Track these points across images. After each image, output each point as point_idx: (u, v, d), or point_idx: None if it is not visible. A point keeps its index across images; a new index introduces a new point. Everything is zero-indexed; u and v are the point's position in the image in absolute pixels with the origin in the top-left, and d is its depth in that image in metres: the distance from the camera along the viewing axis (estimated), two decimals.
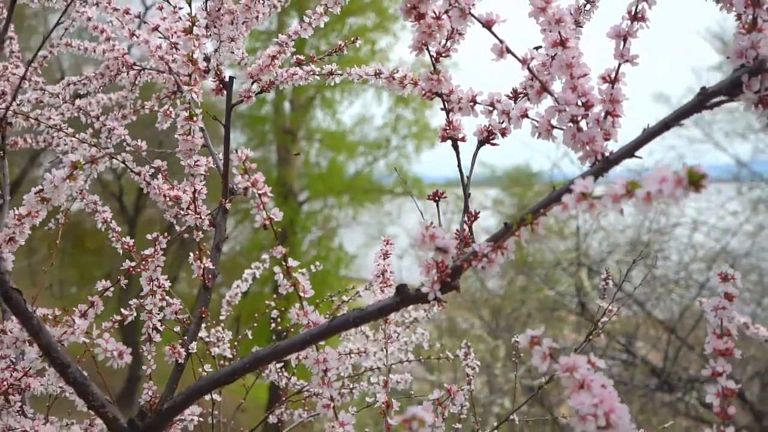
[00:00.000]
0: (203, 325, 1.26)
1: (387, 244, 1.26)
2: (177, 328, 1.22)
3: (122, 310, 1.28)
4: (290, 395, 1.53)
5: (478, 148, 0.88)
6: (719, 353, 0.68)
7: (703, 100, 0.66)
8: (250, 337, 1.63)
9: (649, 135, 0.68)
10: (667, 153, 8.28)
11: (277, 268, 0.86)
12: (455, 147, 0.87)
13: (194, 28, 0.89)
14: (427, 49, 0.83)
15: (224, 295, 1.77)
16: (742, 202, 8.15)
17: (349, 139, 11.26)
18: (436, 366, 6.79)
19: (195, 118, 0.96)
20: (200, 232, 1.15)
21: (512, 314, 7.73)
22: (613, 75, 0.74)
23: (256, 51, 1.31)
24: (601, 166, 0.71)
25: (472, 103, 0.84)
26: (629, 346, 6.83)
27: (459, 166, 0.86)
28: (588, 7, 0.92)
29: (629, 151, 0.69)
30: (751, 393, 5.93)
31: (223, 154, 1.22)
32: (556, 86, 0.79)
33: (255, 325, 1.64)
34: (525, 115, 0.81)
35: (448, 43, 0.85)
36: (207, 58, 1.15)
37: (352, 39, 1.32)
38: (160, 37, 1.27)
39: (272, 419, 1.60)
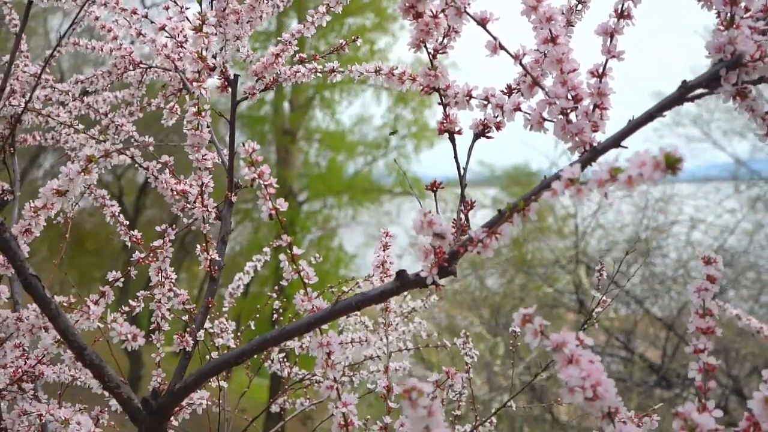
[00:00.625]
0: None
1: (386, 236, 1.30)
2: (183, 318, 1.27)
3: (130, 301, 1.32)
4: (292, 383, 1.57)
5: (474, 140, 0.92)
6: (701, 332, 0.72)
7: (684, 93, 0.70)
8: (253, 328, 1.67)
9: (634, 126, 0.72)
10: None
11: (282, 256, 0.90)
12: (452, 139, 0.91)
13: (204, 26, 0.93)
14: (425, 46, 0.87)
15: (224, 296, 1.80)
16: (739, 201, 8.20)
17: (348, 139, 11.31)
18: (436, 365, 6.83)
19: (203, 114, 1.00)
20: (207, 225, 1.19)
21: (512, 312, 7.76)
22: (600, 70, 0.78)
23: (256, 51, 1.35)
24: (589, 155, 0.75)
25: (467, 98, 0.88)
26: (628, 343, 6.88)
27: (456, 157, 0.90)
28: (579, 7, 0.96)
29: (615, 141, 0.73)
30: (750, 390, 5.97)
31: (228, 149, 1.26)
32: (548, 82, 0.84)
33: (257, 316, 1.68)
34: (518, 109, 0.85)
35: (445, 41, 0.89)
36: (213, 56, 1.19)
37: (353, 38, 1.36)
38: (166, 36, 1.32)
39: (275, 408, 1.65)
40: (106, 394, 1.17)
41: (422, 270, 0.80)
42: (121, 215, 1.37)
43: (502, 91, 0.90)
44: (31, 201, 1.00)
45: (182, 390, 0.82)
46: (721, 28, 0.70)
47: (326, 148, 11.42)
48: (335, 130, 11.30)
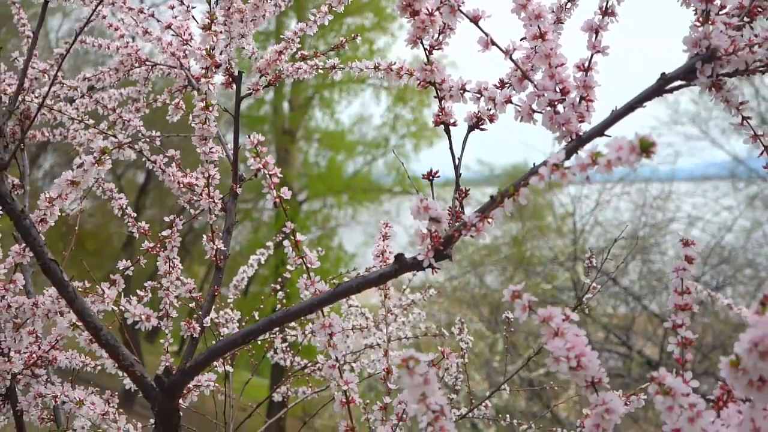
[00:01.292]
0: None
1: (386, 227, 1.35)
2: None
3: (138, 291, 1.37)
4: (294, 371, 1.62)
5: (468, 132, 0.97)
6: (679, 308, 0.77)
7: (663, 85, 0.75)
8: (257, 318, 1.72)
9: (616, 116, 0.77)
10: (665, 149, 8.38)
11: (286, 242, 0.96)
12: (447, 131, 0.96)
13: (213, 25, 0.98)
14: (422, 42, 0.92)
15: (227, 294, 1.85)
16: (737, 198, 8.26)
17: (347, 139, 11.36)
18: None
19: (211, 108, 1.05)
20: (213, 216, 1.24)
21: (511, 309, 7.81)
22: (586, 64, 0.83)
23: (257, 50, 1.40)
24: (575, 144, 0.80)
25: (461, 91, 0.93)
26: (626, 339, 6.93)
27: (451, 148, 0.95)
28: (569, 5, 1.01)
29: (599, 130, 0.78)
30: None
31: (233, 142, 1.31)
32: (539, 76, 0.88)
33: (261, 306, 1.73)
34: (509, 101, 0.90)
35: (441, 37, 0.94)
36: (219, 53, 1.24)
37: (353, 36, 1.41)
38: (172, 35, 1.36)
39: (277, 397, 1.69)
40: (116, 377, 1.22)
41: (419, 253, 0.85)
42: (129, 208, 1.42)
43: (494, 85, 0.95)
44: (45, 191, 1.05)
45: (193, 368, 0.87)
46: (697, 24, 0.75)
47: (326, 148, 11.47)
48: (335, 130, 11.35)
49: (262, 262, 1.83)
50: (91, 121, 1.44)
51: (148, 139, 1.34)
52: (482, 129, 0.97)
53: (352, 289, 0.89)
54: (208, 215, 1.23)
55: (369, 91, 10.81)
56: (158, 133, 1.40)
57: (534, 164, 0.80)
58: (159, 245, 1.22)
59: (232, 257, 1.31)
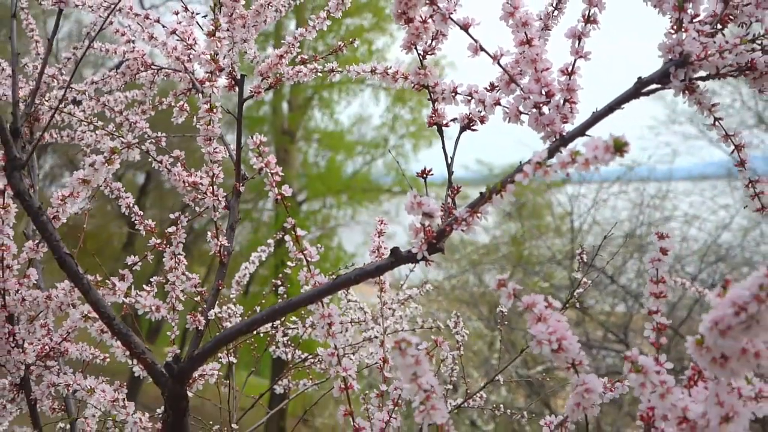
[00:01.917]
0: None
1: (381, 224, 1.41)
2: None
3: (144, 287, 1.43)
4: (295, 364, 1.67)
5: (460, 132, 1.03)
6: (655, 296, 0.82)
7: (639, 88, 0.80)
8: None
9: (596, 117, 0.83)
10: (663, 149, 8.44)
11: (287, 237, 1.01)
12: (440, 131, 1.02)
13: (217, 31, 1.03)
14: (416, 48, 0.98)
15: (226, 294, 1.90)
16: (734, 197, 8.31)
17: (347, 139, 11.41)
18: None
19: (215, 110, 1.10)
20: (217, 213, 1.30)
21: (510, 308, 7.87)
22: (570, 69, 0.89)
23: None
24: (558, 143, 0.85)
25: (453, 94, 0.99)
26: (624, 337, 6.99)
27: (443, 147, 1.00)
28: (555, 12, 1.06)
29: (581, 130, 0.84)
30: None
31: (236, 143, 1.37)
32: (526, 80, 0.94)
33: (263, 301, 1.78)
34: (497, 103, 0.95)
35: (434, 43, 1.00)
36: (222, 57, 1.29)
37: (350, 40, 1.47)
38: (177, 39, 1.42)
39: (278, 390, 1.75)
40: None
41: (413, 247, 0.90)
42: (135, 206, 1.47)
43: (485, 88, 1.00)
44: (57, 190, 1.11)
45: (200, 355, 0.93)
46: (671, 31, 0.80)
47: (325, 148, 11.53)
48: (334, 130, 11.41)
49: (263, 259, 1.88)
50: (100, 123, 1.49)
51: (154, 140, 1.39)
52: (473, 130, 1.02)
53: (351, 281, 0.94)
54: (212, 212, 1.28)
55: (368, 92, 10.88)
56: (163, 135, 1.45)
57: (520, 162, 0.86)
58: (165, 241, 1.28)
59: (232, 257, 1.36)
